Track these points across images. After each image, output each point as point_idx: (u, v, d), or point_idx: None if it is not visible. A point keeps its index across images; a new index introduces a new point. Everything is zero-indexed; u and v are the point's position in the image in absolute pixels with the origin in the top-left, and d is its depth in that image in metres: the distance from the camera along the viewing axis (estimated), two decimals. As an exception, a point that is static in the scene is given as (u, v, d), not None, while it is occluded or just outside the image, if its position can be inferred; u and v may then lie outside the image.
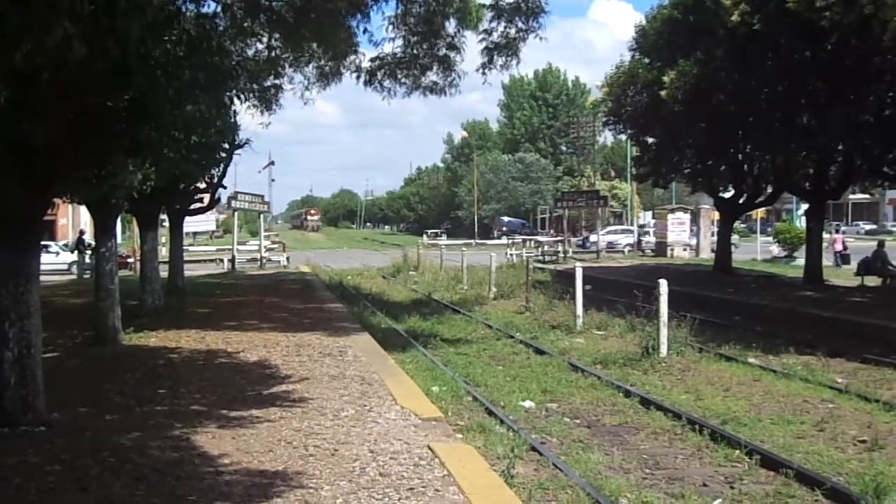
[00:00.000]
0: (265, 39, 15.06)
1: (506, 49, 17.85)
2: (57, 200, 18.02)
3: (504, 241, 65.66)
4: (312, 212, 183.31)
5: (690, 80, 26.23)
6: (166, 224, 29.72)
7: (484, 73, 18.49)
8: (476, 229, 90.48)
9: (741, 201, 35.51)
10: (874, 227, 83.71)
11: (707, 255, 46.35)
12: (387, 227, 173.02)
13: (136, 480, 7.37)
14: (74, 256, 39.64)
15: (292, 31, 14.05)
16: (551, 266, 41.16)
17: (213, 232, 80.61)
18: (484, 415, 11.87)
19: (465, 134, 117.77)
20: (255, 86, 16.51)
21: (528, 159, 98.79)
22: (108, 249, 16.37)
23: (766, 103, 25.59)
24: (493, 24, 17.50)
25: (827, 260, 34.96)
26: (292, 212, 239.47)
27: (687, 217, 51.29)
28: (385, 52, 18.26)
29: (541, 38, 17.50)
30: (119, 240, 20.14)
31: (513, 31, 17.50)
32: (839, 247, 39.51)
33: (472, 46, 18.23)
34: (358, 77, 18.72)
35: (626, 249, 56.21)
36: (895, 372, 14.64)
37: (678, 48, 27.82)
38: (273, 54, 15.90)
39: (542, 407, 12.55)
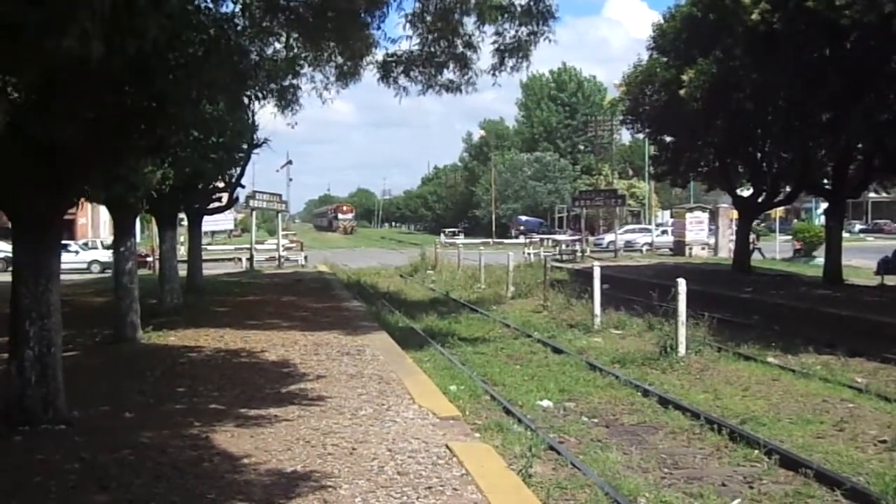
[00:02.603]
0: (283, 39, 15.09)
1: (517, 51, 17.82)
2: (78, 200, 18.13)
3: (522, 240, 65.65)
4: (345, 208, 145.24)
5: (709, 79, 26.16)
6: (185, 223, 29.87)
7: (494, 75, 18.52)
8: (494, 228, 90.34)
9: (760, 200, 35.39)
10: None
11: (725, 254, 46.23)
12: (403, 226, 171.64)
13: (156, 479, 7.41)
14: (106, 256, 39.89)
15: (311, 30, 14.06)
16: (569, 265, 41.16)
17: (231, 231, 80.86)
18: (502, 414, 11.86)
19: (483, 133, 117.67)
20: (273, 86, 16.56)
21: (546, 158, 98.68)
22: (126, 249, 16.45)
23: (786, 102, 25.49)
24: (505, 27, 17.49)
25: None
26: (314, 209, 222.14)
27: (705, 216, 51.15)
28: (402, 49, 18.27)
29: (551, 41, 17.49)
30: (138, 239, 20.24)
31: (524, 33, 17.48)
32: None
33: (489, 44, 18.24)
34: (380, 75, 18.74)
35: (644, 248, 56.10)
36: (916, 372, 14.55)
37: (697, 47, 27.75)
38: (292, 54, 15.93)
39: (560, 406, 12.53)
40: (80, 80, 7.71)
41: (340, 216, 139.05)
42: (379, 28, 16.22)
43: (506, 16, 17.04)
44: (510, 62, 18.12)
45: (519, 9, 16.94)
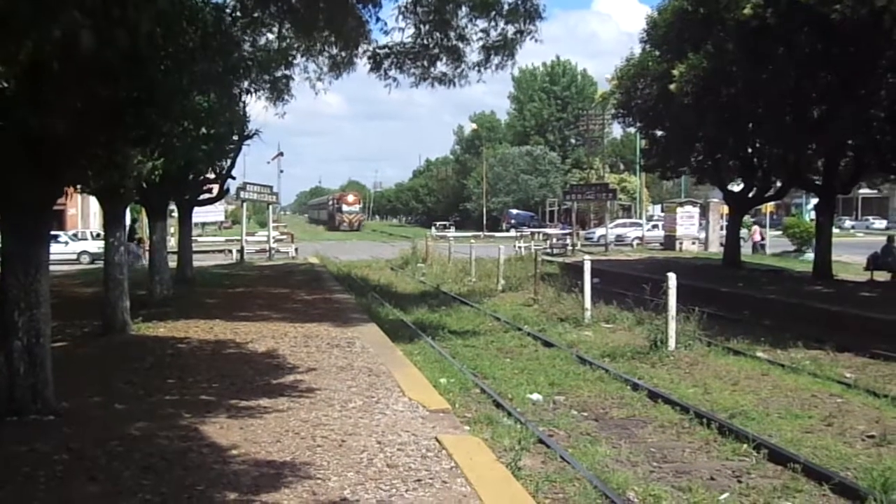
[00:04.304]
0: (276, 30, 15.06)
1: (502, 49, 17.86)
2: (68, 190, 18.09)
3: (513, 233, 65.66)
4: (350, 199, 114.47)
5: (700, 74, 26.11)
6: (175, 214, 29.80)
7: (479, 72, 18.58)
8: (485, 221, 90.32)
9: (750, 195, 35.44)
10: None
11: (716, 248, 46.27)
12: (394, 219, 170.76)
13: (145, 470, 7.39)
14: (96, 247, 39.84)
15: (303, 21, 14.04)
16: (560, 259, 41.14)
17: (221, 222, 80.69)
18: (491, 407, 11.89)
19: (474, 126, 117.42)
20: (266, 76, 16.52)
21: (537, 152, 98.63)
22: (116, 239, 16.40)
23: (777, 97, 25.46)
24: (492, 24, 17.52)
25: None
26: (309, 200, 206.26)
27: (696, 211, 51.23)
28: (394, 41, 18.26)
29: (537, 41, 17.54)
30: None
31: (510, 31, 17.50)
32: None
33: (477, 40, 18.24)
34: (370, 66, 18.72)
35: (635, 243, 56.18)
36: (904, 367, 14.62)
37: (688, 41, 27.66)
38: (284, 44, 15.89)
39: (550, 399, 12.56)
40: (71, 71, 7.67)
41: (345, 207, 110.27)
42: (378, 20, 16.21)
43: (493, 13, 17.07)
44: (496, 59, 18.16)
45: (506, 6, 16.96)
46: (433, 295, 27.97)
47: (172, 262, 25.14)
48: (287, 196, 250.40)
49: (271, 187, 49.48)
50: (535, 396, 12.64)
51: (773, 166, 32.81)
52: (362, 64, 18.83)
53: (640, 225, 62.51)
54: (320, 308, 20.69)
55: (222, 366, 12.75)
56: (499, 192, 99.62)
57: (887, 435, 10.19)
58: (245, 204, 48.28)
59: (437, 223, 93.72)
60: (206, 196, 28.77)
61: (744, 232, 43.11)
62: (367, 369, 12.34)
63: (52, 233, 12.19)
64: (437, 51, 18.39)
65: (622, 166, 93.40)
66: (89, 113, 8.56)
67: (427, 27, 17.70)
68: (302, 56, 18.10)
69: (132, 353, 13.95)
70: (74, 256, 41.17)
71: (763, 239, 47.41)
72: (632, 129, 49.62)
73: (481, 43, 17.93)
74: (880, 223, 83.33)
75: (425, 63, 18.75)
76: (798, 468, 8.75)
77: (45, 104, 8.13)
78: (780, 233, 50.54)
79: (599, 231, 58.37)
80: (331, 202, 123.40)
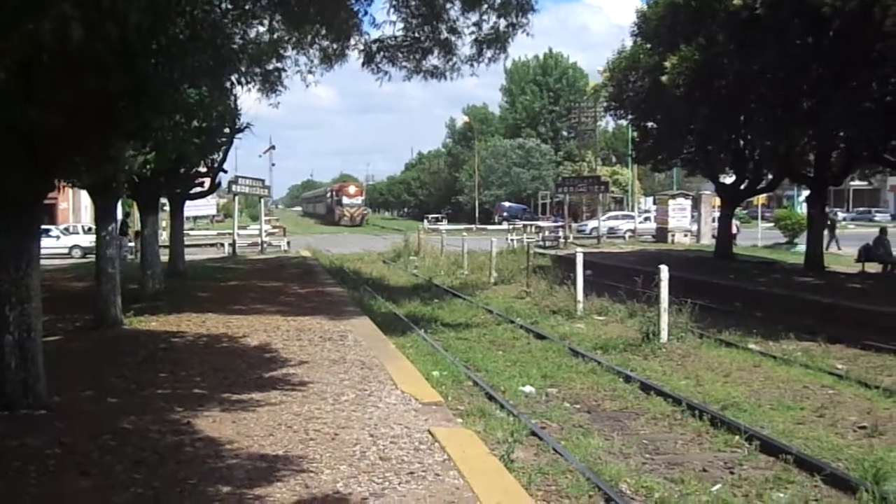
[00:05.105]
0: (267, 22, 15.00)
1: (495, 43, 17.84)
2: (59, 184, 18.01)
3: (505, 226, 65.66)
4: (351, 190, 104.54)
5: (692, 66, 26.12)
6: (167, 208, 29.74)
7: (472, 66, 18.55)
8: (477, 214, 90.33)
9: (742, 187, 35.48)
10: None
11: (708, 240, 46.36)
12: (387, 212, 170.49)
13: (137, 464, 7.38)
14: (88, 241, 39.78)
15: (294, 13, 13.99)
16: (552, 251, 41.19)
17: (213, 216, 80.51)
18: (484, 399, 11.89)
19: (466, 119, 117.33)
20: (257, 69, 16.46)
21: (529, 145, 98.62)
22: (108, 233, 16.35)
23: (768, 89, 25.48)
24: (484, 17, 17.49)
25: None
26: (303, 193, 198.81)
27: (688, 203, 51.25)
28: (385, 34, 18.20)
29: (529, 34, 17.52)
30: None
31: (502, 24, 17.48)
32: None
33: (470, 33, 18.19)
34: (362, 59, 18.67)
35: (627, 235, 56.23)
36: (895, 358, 14.65)
37: (680, 33, 27.67)
38: (275, 37, 15.84)
39: (543, 392, 12.57)
40: (63, 64, 7.64)
41: (346, 200, 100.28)
42: (366, 14, 16.14)
43: (485, 6, 17.02)
44: (488, 53, 18.12)
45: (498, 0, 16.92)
46: (425, 288, 27.96)
47: (164, 256, 25.10)
48: (279, 189, 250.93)
49: (263, 181, 49.38)
50: (528, 389, 12.65)
51: (765, 158, 32.81)
52: (354, 57, 18.75)
53: (633, 217, 62.63)
54: (313, 301, 20.68)
55: (215, 360, 12.74)
56: (491, 185, 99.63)
57: (879, 426, 10.23)
58: (237, 197, 48.15)
59: (430, 216, 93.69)
60: (198, 190, 28.70)
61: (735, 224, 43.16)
62: (359, 362, 12.34)
63: (44, 227, 12.15)
64: (428, 44, 18.32)
65: (614, 159, 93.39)
66: (82, 107, 8.52)
67: (418, 20, 17.65)
68: (293, 49, 18.04)
69: (124, 347, 13.93)
70: (66, 251, 41.08)
71: (738, 231, 47.03)
72: (623, 122, 49.62)
73: (473, 37, 17.89)
74: (844, 213, 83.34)
75: (417, 56, 18.69)
76: (790, 459, 8.77)
77: (37, 99, 8.10)
78: (771, 225, 50.56)
79: (591, 223, 58.45)
80: (329, 194, 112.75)
